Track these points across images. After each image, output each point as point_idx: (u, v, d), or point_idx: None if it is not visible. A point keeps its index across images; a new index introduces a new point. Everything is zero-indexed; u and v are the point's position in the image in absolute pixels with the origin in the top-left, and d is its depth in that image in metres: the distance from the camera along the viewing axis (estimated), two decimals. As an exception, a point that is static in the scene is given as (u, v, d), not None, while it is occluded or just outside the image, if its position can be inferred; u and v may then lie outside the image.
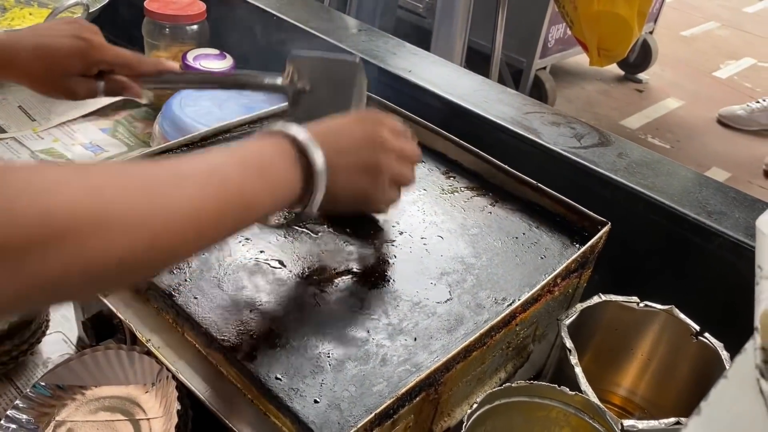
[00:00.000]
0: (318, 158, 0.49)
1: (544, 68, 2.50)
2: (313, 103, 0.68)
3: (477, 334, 0.51)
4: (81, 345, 0.70)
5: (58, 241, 0.33)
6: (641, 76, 2.94)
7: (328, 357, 0.49)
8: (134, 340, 0.55)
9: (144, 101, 1.15)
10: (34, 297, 0.35)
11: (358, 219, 0.64)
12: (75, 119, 1.07)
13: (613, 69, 2.93)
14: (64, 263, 0.34)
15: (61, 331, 0.71)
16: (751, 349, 0.29)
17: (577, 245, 0.65)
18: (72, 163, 0.39)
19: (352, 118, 0.58)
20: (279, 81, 0.69)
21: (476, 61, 1.89)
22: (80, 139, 1.04)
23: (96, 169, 0.39)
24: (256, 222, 0.52)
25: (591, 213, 0.66)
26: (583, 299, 0.63)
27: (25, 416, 0.53)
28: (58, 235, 0.33)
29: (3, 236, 0.31)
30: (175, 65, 0.78)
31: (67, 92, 0.69)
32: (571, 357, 0.56)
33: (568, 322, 0.60)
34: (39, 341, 0.67)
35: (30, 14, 1.23)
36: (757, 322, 0.29)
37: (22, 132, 1.03)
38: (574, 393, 0.53)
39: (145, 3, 1.09)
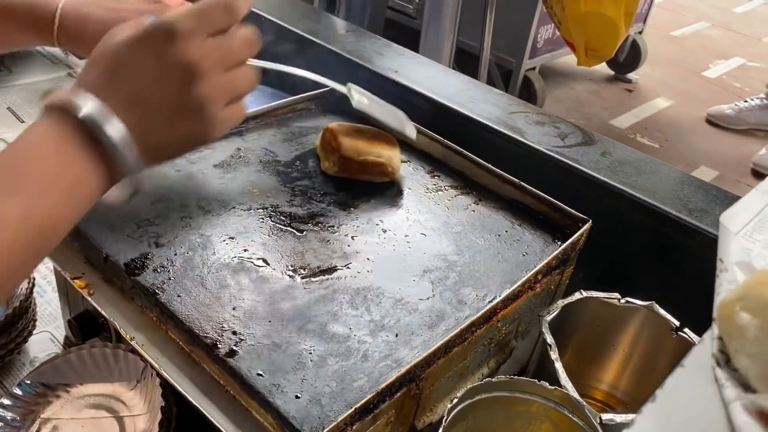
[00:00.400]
0: (113, 130, 0.40)
1: (534, 69, 2.51)
2: None
3: (457, 330, 0.52)
4: (68, 344, 0.70)
5: None
6: (631, 75, 2.96)
7: (310, 353, 0.49)
8: (119, 338, 0.56)
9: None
10: None
11: (342, 218, 0.65)
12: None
13: (603, 69, 2.95)
14: None
15: (48, 331, 0.71)
16: (709, 339, 0.29)
17: (559, 242, 0.66)
18: None
19: (140, 42, 0.43)
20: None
21: (466, 62, 1.91)
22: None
23: None
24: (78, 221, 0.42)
25: (572, 211, 0.67)
26: (565, 296, 0.64)
27: (10, 414, 0.53)
28: None
29: None
30: None
31: None
32: (551, 352, 0.57)
33: (549, 318, 0.60)
34: (26, 341, 0.67)
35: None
36: (714, 313, 0.30)
37: (12, 134, 1.03)
38: (553, 388, 0.54)
39: (133, 4, 1.10)
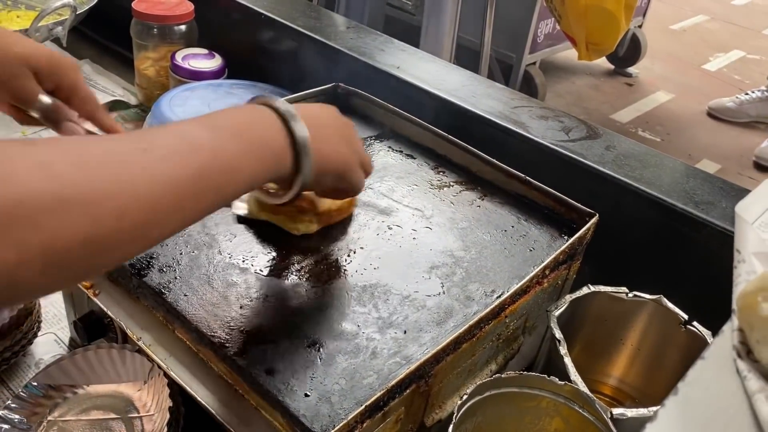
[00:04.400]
0: (299, 126, 0.48)
1: (534, 63, 2.50)
2: None
3: (466, 326, 0.51)
4: (73, 345, 0.70)
5: (5, 228, 0.31)
6: (631, 70, 2.96)
7: (319, 351, 0.49)
8: (125, 338, 0.55)
9: (133, 102, 1.15)
10: None
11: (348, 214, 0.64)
12: (64, 121, 1.07)
13: (603, 63, 2.94)
14: (18, 250, 0.31)
15: (53, 332, 0.71)
16: (729, 330, 0.29)
17: (566, 237, 0.65)
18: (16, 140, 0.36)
19: (323, 106, 0.58)
20: None
21: (466, 57, 1.90)
22: (70, 141, 1.03)
23: (44, 143, 0.35)
24: (251, 189, 0.48)
25: (579, 205, 0.67)
26: (572, 290, 0.64)
27: (17, 416, 0.53)
28: (4, 221, 0.31)
29: None
30: (122, 130, 0.66)
31: (13, 94, 0.59)
32: (560, 347, 0.57)
33: (557, 313, 0.60)
34: (31, 342, 0.67)
35: (17, 17, 1.22)
36: (734, 305, 0.30)
37: (10, 135, 1.02)
38: (563, 383, 0.53)
39: (133, 4, 1.09)
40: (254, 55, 1.12)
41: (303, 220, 0.61)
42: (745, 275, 0.34)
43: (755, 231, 0.37)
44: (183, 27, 1.12)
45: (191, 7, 1.12)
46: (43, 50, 0.59)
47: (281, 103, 0.48)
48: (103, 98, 1.14)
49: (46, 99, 0.59)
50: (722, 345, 0.28)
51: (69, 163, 0.34)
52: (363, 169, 0.57)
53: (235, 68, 1.10)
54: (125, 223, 0.35)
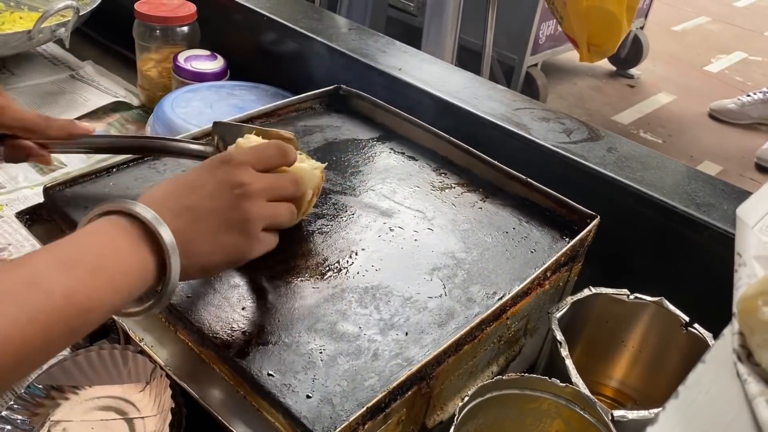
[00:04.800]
0: (165, 235, 0.44)
1: (536, 65, 2.50)
2: None
3: (467, 328, 0.51)
4: (75, 345, 0.70)
5: None
6: (633, 71, 2.96)
7: (320, 353, 0.49)
8: (127, 339, 0.56)
9: (135, 103, 1.15)
10: None
11: (349, 216, 0.64)
12: (67, 122, 1.07)
13: (605, 65, 2.94)
14: None
15: (56, 333, 0.71)
16: (729, 334, 0.29)
17: (567, 239, 0.66)
18: None
19: (202, 168, 0.51)
20: (205, 148, 0.66)
21: (468, 58, 1.90)
22: (72, 142, 1.03)
23: None
24: (115, 316, 0.46)
25: (580, 207, 0.67)
26: (574, 292, 0.64)
27: (19, 417, 0.53)
28: None
29: None
30: (87, 127, 0.66)
31: None
32: (561, 349, 0.57)
33: (558, 315, 0.60)
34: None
35: (20, 18, 1.23)
36: (734, 308, 0.30)
37: None
38: (564, 385, 0.53)
39: (135, 5, 1.10)
40: (256, 57, 1.12)
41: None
42: (746, 278, 0.34)
43: (756, 234, 0.37)
44: (185, 28, 1.12)
45: (194, 8, 1.12)
46: None
47: (143, 209, 0.44)
48: (105, 99, 1.14)
49: None
50: (723, 348, 0.28)
51: None
52: (271, 226, 0.52)
53: (237, 70, 1.10)
54: None
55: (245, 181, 0.49)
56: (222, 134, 0.66)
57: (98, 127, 1.08)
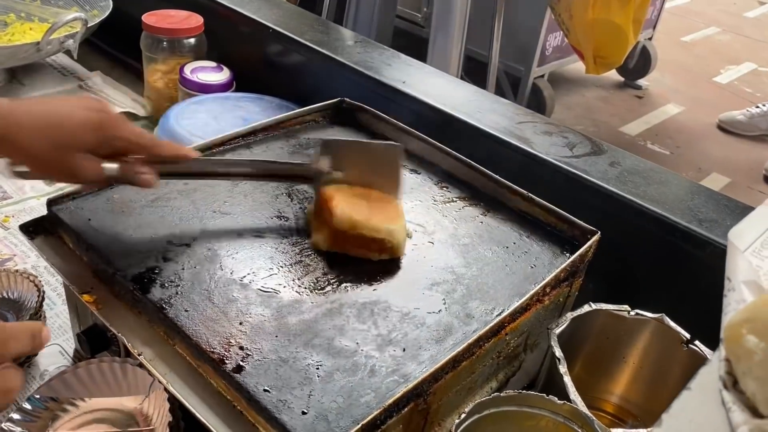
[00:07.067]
0: None
1: (542, 76, 2.50)
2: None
3: (465, 344, 0.51)
4: (77, 356, 0.70)
5: None
6: (641, 82, 2.95)
7: (317, 369, 0.49)
8: (127, 352, 0.56)
9: (142, 113, 1.16)
10: None
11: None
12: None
13: (613, 75, 2.94)
14: None
15: (58, 343, 0.72)
16: (716, 360, 0.29)
17: (567, 254, 0.65)
18: None
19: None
20: (310, 166, 0.64)
21: (474, 70, 1.91)
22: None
23: None
24: None
25: (581, 222, 0.67)
26: (574, 308, 0.64)
27: (20, 429, 0.53)
28: None
29: None
30: (195, 153, 0.62)
31: (72, 172, 0.56)
32: (560, 366, 0.57)
33: (558, 331, 0.60)
34: (36, 354, 0.68)
35: (30, 29, 1.24)
36: (722, 334, 0.30)
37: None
38: (562, 402, 0.53)
39: (143, 17, 1.11)
40: (262, 69, 1.13)
41: (321, 230, 0.61)
42: (735, 304, 0.34)
43: (746, 258, 0.37)
44: (192, 40, 1.13)
45: (201, 20, 1.13)
46: (87, 123, 0.56)
47: None
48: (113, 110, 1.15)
49: (110, 166, 0.57)
50: (709, 375, 0.28)
51: None
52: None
53: (243, 81, 1.11)
54: None
55: None
56: (331, 153, 0.64)
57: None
